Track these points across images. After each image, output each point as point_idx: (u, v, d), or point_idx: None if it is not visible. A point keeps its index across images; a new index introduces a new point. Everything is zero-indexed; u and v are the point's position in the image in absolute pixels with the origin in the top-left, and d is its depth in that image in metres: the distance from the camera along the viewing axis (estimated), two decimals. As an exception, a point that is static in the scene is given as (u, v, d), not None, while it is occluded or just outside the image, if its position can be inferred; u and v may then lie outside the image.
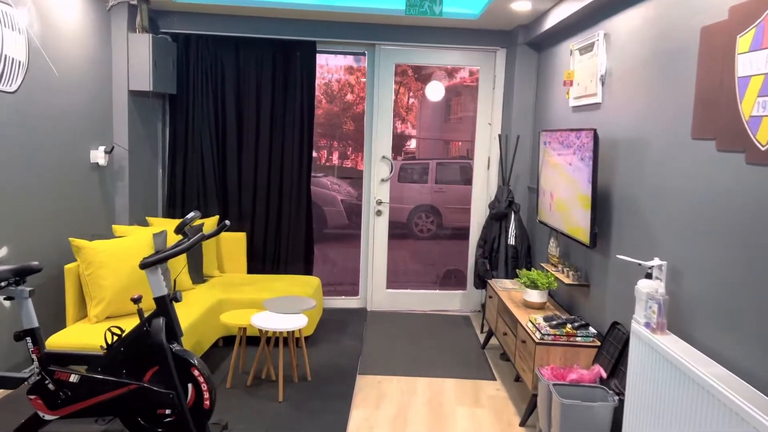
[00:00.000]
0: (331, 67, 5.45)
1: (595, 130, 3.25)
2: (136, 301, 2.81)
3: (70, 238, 3.59)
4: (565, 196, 3.75)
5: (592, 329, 3.29)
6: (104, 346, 2.87)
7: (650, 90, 2.96)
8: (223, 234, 4.92)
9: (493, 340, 4.70)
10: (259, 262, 5.09)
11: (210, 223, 4.74)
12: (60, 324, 3.78)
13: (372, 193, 5.31)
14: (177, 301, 2.82)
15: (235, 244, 4.93)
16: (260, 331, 3.95)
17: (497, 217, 4.79)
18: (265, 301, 3.77)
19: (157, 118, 4.93)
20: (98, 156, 4.19)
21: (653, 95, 2.93)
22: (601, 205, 3.49)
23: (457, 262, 5.63)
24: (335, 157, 5.77)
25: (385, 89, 5.18)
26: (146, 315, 2.83)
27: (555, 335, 3.24)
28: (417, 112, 5.52)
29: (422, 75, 5.41)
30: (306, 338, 4.52)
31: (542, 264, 4.17)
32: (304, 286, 4.51)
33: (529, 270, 4.77)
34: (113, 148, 4.33)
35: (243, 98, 4.96)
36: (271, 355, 4.11)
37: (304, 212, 5.09)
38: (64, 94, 3.81)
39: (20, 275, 2.78)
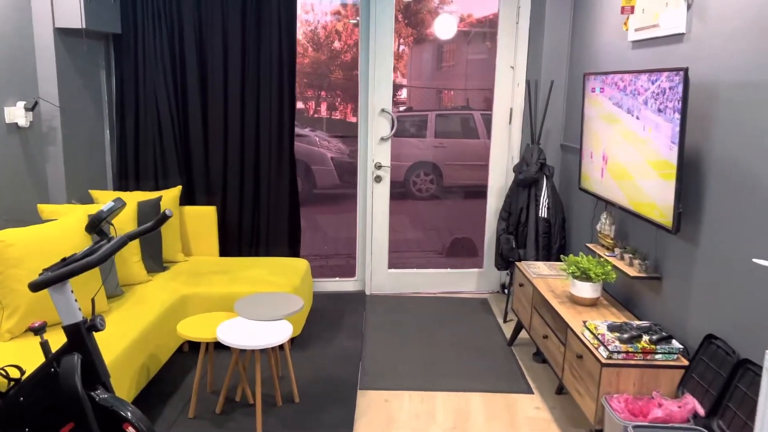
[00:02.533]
0: (317, 12, 4.45)
1: (686, 70, 2.33)
2: (37, 330, 1.93)
3: (-31, 228, 2.67)
4: (628, 161, 2.86)
5: (675, 343, 2.44)
6: (-4, 394, 2.01)
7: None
8: (189, 209, 4.00)
9: (522, 333, 3.88)
10: (234, 241, 4.18)
11: (170, 197, 3.82)
12: (-33, 339, 2.89)
13: (369, 154, 4.37)
14: (97, 330, 1.94)
15: (203, 220, 4.01)
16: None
17: (525, 183, 3.90)
18: (236, 303, 2.89)
19: (98, 65, 3.93)
20: (17, 114, 3.23)
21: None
22: (687, 175, 2.60)
23: (466, 229, 4.76)
24: (323, 108, 4.82)
25: (383, 23, 4.17)
26: (54, 351, 1.96)
27: (627, 353, 2.40)
28: (408, 60, 4.55)
29: (413, 21, 4.39)
30: (292, 339, 3.67)
31: (588, 245, 3.30)
32: (289, 274, 3.63)
33: (567, 252, 3.92)
34: (36, 103, 3.35)
35: (206, 39, 3.94)
36: (247, 369, 3.27)
37: (287, 178, 4.15)
38: (-44, 32, 2.81)
39: None
